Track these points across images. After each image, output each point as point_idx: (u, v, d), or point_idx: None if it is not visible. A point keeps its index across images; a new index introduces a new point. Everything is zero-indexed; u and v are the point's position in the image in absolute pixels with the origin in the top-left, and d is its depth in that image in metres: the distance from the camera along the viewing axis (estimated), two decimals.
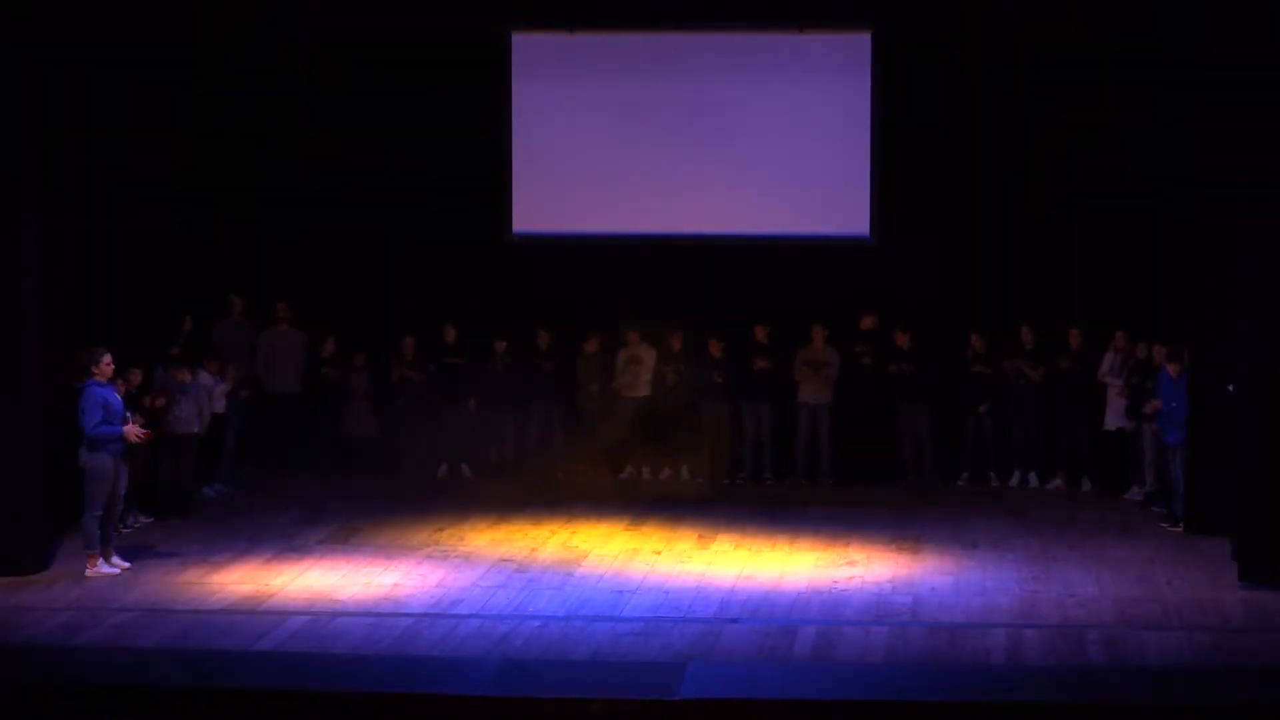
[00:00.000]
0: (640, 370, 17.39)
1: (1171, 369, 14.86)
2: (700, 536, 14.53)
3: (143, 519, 14.84)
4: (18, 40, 13.01)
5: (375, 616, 11.83)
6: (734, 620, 11.78)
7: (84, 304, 14.51)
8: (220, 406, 16.02)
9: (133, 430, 13.14)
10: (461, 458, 17.46)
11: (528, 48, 17.71)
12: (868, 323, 17.20)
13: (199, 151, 17.20)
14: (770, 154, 17.44)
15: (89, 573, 12.99)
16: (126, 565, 13.24)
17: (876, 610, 12.05)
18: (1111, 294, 16.85)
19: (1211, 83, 14.15)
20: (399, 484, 16.61)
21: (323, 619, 11.74)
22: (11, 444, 13.00)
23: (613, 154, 17.63)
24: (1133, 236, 16.94)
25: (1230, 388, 13.60)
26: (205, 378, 15.78)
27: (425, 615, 11.86)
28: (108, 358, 13.20)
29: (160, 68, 16.08)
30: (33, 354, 13.11)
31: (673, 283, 17.47)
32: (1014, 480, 17.02)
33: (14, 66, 12.98)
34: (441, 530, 14.66)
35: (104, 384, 13.12)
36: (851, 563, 13.55)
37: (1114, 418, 16.39)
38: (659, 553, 13.92)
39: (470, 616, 11.83)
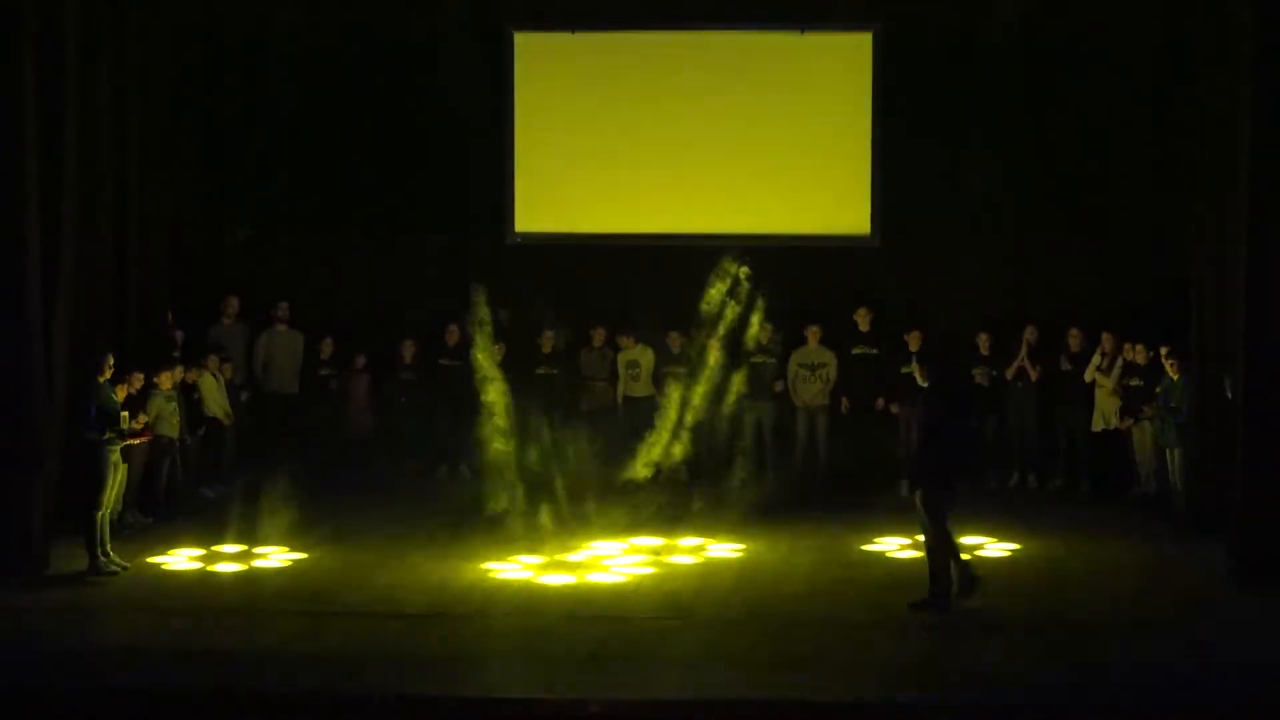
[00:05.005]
0: (640, 372, 17.39)
1: (1171, 368, 14.88)
2: (700, 537, 14.53)
3: (142, 519, 14.85)
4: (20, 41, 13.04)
5: (375, 617, 11.84)
6: (734, 620, 11.78)
7: (85, 305, 14.48)
8: (224, 408, 16.08)
9: (125, 431, 13.17)
10: (461, 458, 17.46)
11: (530, 48, 17.73)
12: (863, 319, 17.17)
13: (199, 152, 17.23)
14: (771, 154, 17.48)
15: (90, 572, 12.99)
16: (126, 565, 13.25)
17: (876, 610, 12.05)
18: (1109, 295, 16.87)
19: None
20: (399, 484, 16.60)
21: (323, 619, 11.75)
22: (11, 444, 13.01)
23: (614, 155, 17.65)
24: (1131, 236, 16.96)
25: (1227, 383, 13.63)
26: (208, 381, 15.84)
27: (425, 615, 11.87)
28: (108, 358, 13.23)
29: (159, 66, 16.09)
30: (33, 354, 13.10)
31: (673, 283, 17.47)
32: (1014, 480, 17.02)
33: (16, 65, 13.01)
34: (441, 531, 14.66)
35: (100, 384, 13.14)
36: (851, 563, 13.55)
37: (1102, 419, 16.39)
38: (659, 553, 13.92)
39: (470, 617, 11.83)
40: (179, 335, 16.26)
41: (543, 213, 17.86)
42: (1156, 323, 15.97)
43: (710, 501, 15.95)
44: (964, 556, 12.10)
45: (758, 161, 17.48)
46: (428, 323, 17.50)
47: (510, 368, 17.36)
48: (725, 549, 14.07)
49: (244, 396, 16.72)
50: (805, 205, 17.55)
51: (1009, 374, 16.85)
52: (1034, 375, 16.81)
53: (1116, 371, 16.20)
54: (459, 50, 17.55)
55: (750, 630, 11.55)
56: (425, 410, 17.29)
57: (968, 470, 12.12)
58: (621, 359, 17.46)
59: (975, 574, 11.98)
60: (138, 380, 14.36)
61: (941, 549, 11.95)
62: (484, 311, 16.71)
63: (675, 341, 17.32)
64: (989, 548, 14.06)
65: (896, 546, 14.02)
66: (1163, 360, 15.07)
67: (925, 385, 12.20)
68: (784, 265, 17.48)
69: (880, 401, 17.03)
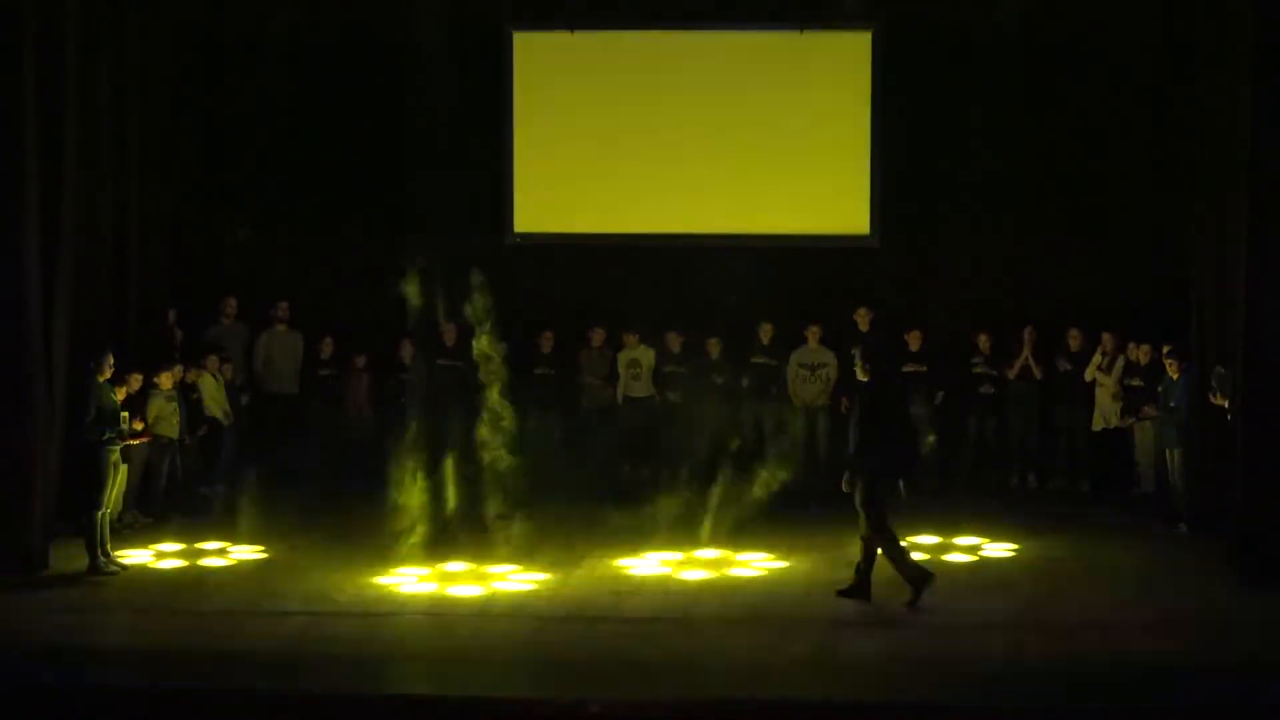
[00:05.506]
0: (641, 372, 17.40)
1: (1171, 368, 14.88)
2: (700, 537, 14.52)
3: (142, 519, 14.85)
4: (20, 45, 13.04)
5: (375, 617, 11.84)
6: (733, 620, 11.78)
7: (85, 305, 14.48)
8: (222, 408, 16.08)
9: (125, 431, 13.16)
10: (461, 458, 17.46)
11: (529, 48, 17.73)
12: (863, 318, 17.18)
13: (199, 152, 17.24)
14: (770, 154, 17.47)
15: (90, 572, 12.99)
16: (125, 565, 13.25)
17: (876, 610, 12.05)
18: (1109, 295, 16.87)
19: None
20: (398, 485, 16.57)
21: (323, 619, 11.75)
22: (11, 443, 13.01)
23: (613, 154, 17.65)
24: (1131, 236, 16.96)
25: (1215, 381, 13.65)
26: (207, 380, 15.86)
27: (425, 616, 11.86)
28: (109, 358, 13.23)
29: (159, 66, 16.09)
30: (33, 354, 13.10)
31: (673, 283, 17.49)
32: (1014, 480, 17.02)
33: (15, 65, 13.01)
34: (441, 531, 14.65)
35: (100, 383, 13.14)
36: (851, 562, 13.52)
37: (1102, 418, 16.39)
38: (659, 553, 13.92)
39: (470, 617, 11.84)
40: (180, 335, 16.29)
41: (542, 212, 17.85)
42: (1156, 323, 15.98)
43: (710, 502, 15.96)
44: (872, 565, 12.21)
45: (757, 161, 17.48)
46: (427, 323, 17.48)
47: (510, 367, 17.38)
48: (725, 549, 14.06)
49: (244, 400, 16.71)
50: (805, 205, 17.55)
51: (1011, 373, 16.83)
52: (1037, 373, 16.79)
53: (1117, 371, 16.22)
54: (459, 50, 17.55)
55: (750, 630, 11.56)
56: (425, 410, 17.26)
57: (905, 469, 12.22)
58: (623, 357, 17.45)
59: (867, 587, 12.16)
60: (137, 380, 14.38)
61: (889, 545, 12.11)
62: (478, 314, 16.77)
63: (675, 343, 17.32)
64: (989, 548, 14.07)
65: None
66: (1163, 360, 15.08)
67: (865, 380, 12.29)
68: (784, 265, 17.50)
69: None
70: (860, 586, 12.22)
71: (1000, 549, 14.05)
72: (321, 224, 17.84)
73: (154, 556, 13.73)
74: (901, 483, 11.97)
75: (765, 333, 17.18)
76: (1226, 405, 13.65)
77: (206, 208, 17.54)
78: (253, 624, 11.64)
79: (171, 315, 16.40)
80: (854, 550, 13.92)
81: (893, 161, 17.35)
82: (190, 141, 17.10)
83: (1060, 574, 13.18)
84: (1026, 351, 16.84)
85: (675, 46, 17.58)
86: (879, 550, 12.17)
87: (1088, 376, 16.47)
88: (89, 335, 13.96)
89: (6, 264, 12.97)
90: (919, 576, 12.03)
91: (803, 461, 17.17)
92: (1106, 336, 16.33)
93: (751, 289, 17.37)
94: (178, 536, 14.38)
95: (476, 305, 16.47)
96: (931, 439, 16.40)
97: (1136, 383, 15.86)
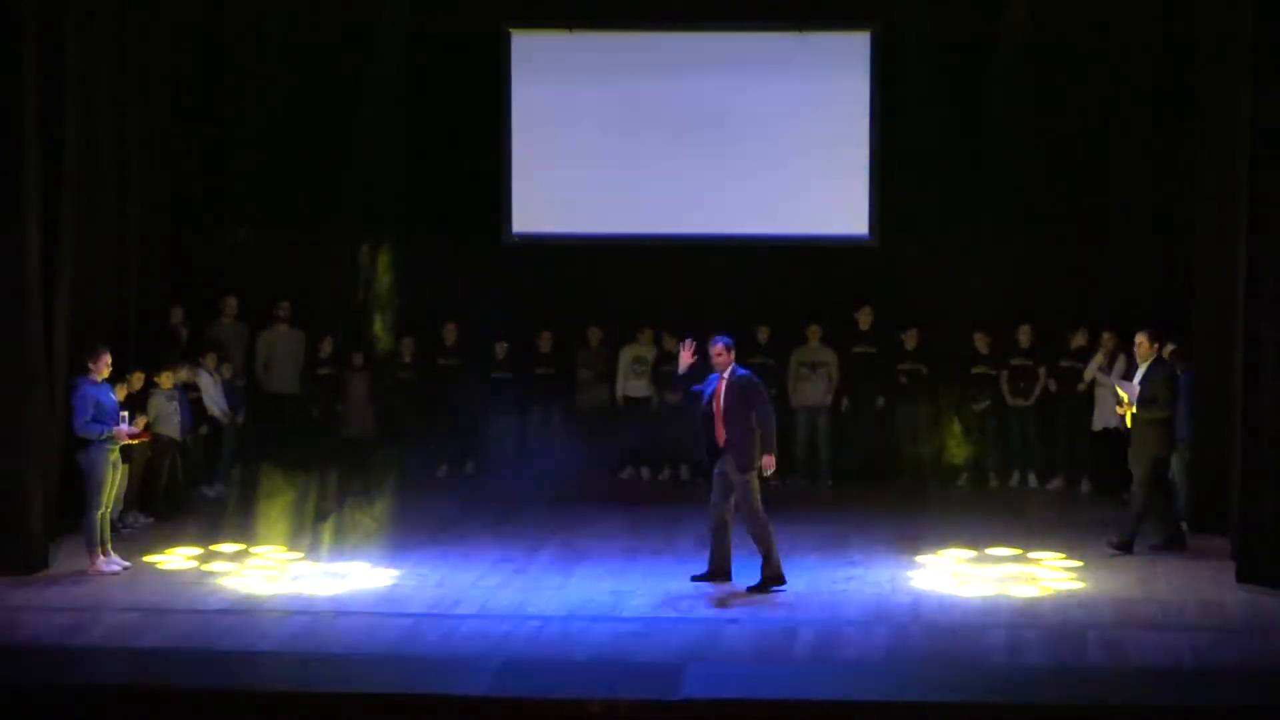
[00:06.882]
0: (645, 369, 17.38)
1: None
2: (700, 537, 14.49)
3: (142, 519, 14.85)
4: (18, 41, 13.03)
5: (375, 616, 11.84)
6: (734, 620, 11.78)
7: (86, 303, 14.48)
8: (220, 408, 16.08)
9: (123, 431, 13.14)
10: (462, 458, 17.47)
11: (527, 47, 17.73)
12: (864, 317, 17.18)
13: (199, 152, 17.24)
14: (770, 154, 17.46)
15: (90, 572, 12.99)
16: (126, 565, 13.25)
17: (876, 610, 12.05)
18: (1109, 294, 16.86)
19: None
20: (398, 484, 16.58)
21: (323, 619, 11.75)
22: (11, 443, 13.00)
23: (612, 154, 17.64)
24: (1131, 236, 16.96)
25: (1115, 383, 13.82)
26: (205, 379, 15.85)
27: (425, 615, 11.86)
28: (106, 357, 13.22)
29: (159, 66, 16.08)
30: (33, 354, 13.10)
31: (673, 283, 17.47)
32: (1014, 480, 17.02)
33: (15, 65, 13.00)
34: (441, 530, 14.66)
35: (98, 383, 13.13)
36: (851, 563, 13.55)
37: (1102, 418, 16.39)
38: (660, 553, 13.91)
39: (470, 616, 11.84)
40: (185, 334, 16.31)
41: (540, 212, 17.84)
42: (1157, 323, 15.94)
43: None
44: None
45: (757, 161, 17.46)
46: (427, 322, 17.49)
47: (510, 367, 17.39)
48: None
49: (240, 419, 16.65)
50: (805, 205, 17.54)
51: (1086, 376, 16.64)
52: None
53: (1119, 371, 16.20)
54: (457, 49, 17.55)
55: (750, 630, 11.55)
56: (424, 409, 17.29)
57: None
58: (629, 353, 17.42)
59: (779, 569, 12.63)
60: (138, 380, 14.38)
61: (763, 532, 12.52)
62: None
63: (671, 343, 17.30)
64: (988, 548, 14.06)
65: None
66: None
67: (730, 375, 12.73)
68: (784, 265, 17.49)
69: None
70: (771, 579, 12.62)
71: (1000, 549, 14.04)
72: (321, 224, 17.82)
73: (153, 556, 13.72)
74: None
75: (762, 333, 17.16)
76: (1130, 413, 13.75)
77: (206, 208, 17.53)
78: (253, 624, 11.63)
79: (178, 314, 16.42)
80: (854, 549, 14.02)
81: (892, 162, 17.34)
82: (190, 141, 17.09)
83: (1061, 574, 13.17)
84: (1021, 351, 16.85)
85: (675, 46, 17.56)
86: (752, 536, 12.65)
87: (1087, 376, 16.47)
88: (89, 335, 13.94)
89: (6, 264, 12.97)
90: (772, 579, 12.51)
91: (803, 461, 17.15)
92: (1108, 336, 16.32)
93: (751, 289, 17.38)
94: (178, 536, 14.38)
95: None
96: None
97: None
